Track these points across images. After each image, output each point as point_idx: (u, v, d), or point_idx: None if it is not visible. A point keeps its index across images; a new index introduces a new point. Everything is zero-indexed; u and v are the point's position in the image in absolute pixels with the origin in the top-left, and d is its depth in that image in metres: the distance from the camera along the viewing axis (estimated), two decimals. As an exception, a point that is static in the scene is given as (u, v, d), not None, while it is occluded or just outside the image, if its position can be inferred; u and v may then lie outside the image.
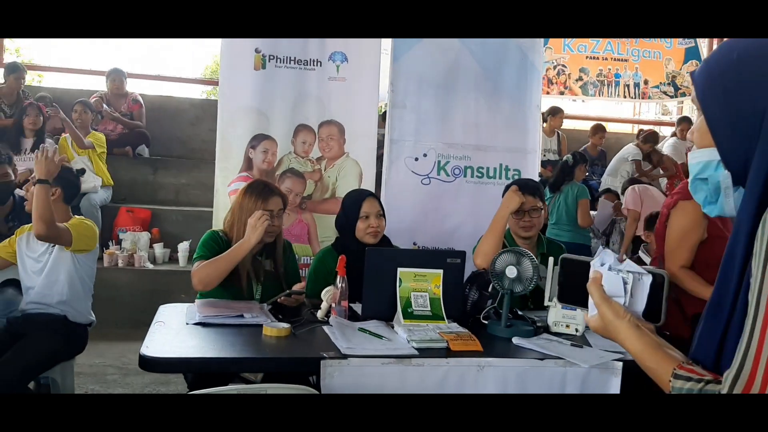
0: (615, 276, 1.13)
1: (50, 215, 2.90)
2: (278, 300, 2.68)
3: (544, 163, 6.99)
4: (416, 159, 3.98)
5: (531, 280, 2.56)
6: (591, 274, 1.16)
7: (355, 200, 3.03)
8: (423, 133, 3.98)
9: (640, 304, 1.12)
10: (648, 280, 1.12)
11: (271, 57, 3.88)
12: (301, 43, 3.92)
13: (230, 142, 3.89)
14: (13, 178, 3.86)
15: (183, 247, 5.47)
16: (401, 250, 2.99)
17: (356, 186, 3.95)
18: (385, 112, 4.02)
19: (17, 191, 4.28)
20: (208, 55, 20.80)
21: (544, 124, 7.32)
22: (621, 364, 2.32)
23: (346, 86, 3.98)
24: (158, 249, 5.49)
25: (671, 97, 7.91)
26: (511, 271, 2.57)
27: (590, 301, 1.15)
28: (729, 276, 0.97)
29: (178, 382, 3.70)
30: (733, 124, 0.98)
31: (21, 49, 18.05)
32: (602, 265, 1.16)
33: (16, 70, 6.26)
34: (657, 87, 7.78)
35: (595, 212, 5.93)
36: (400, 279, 2.56)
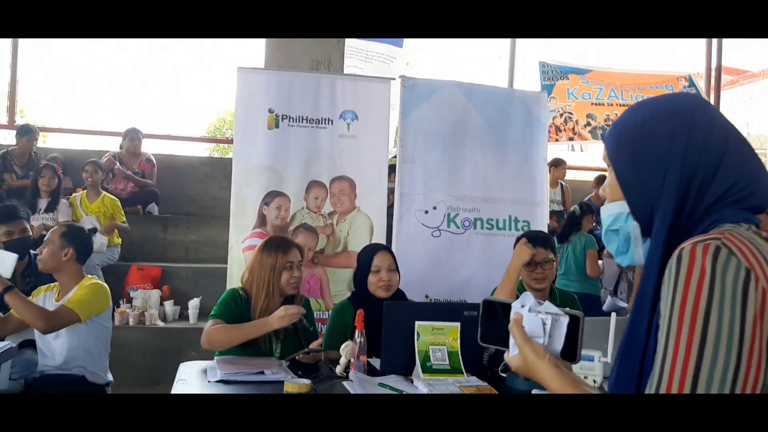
0: (535, 317, 1.17)
1: (38, 313, 2.95)
2: (296, 357, 2.69)
3: (549, 214, 7.05)
4: (426, 212, 4.04)
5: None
6: (512, 316, 1.20)
7: (367, 254, 3.08)
8: (432, 187, 4.05)
9: (558, 343, 1.16)
10: (565, 320, 1.16)
11: (284, 116, 3.99)
12: (312, 103, 4.03)
13: (244, 199, 3.96)
14: (30, 234, 3.91)
15: (193, 303, 5.48)
16: (418, 303, 3.02)
17: (368, 239, 4.00)
18: (394, 165, 4.10)
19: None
20: (211, 113, 21.21)
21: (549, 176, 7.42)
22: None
23: (356, 143, 4.07)
24: (168, 306, 5.50)
25: None
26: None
27: (512, 341, 1.19)
28: (640, 319, 1.03)
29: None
30: (639, 180, 1.08)
31: (24, 109, 18.45)
32: (522, 306, 1.20)
33: (29, 132, 6.38)
34: None
35: (601, 261, 5.96)
36: (418, 333, 2.58)
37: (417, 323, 2.58)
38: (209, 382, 2.43)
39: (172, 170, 7.07)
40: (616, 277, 5.96)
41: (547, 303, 1.20)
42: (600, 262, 5.77)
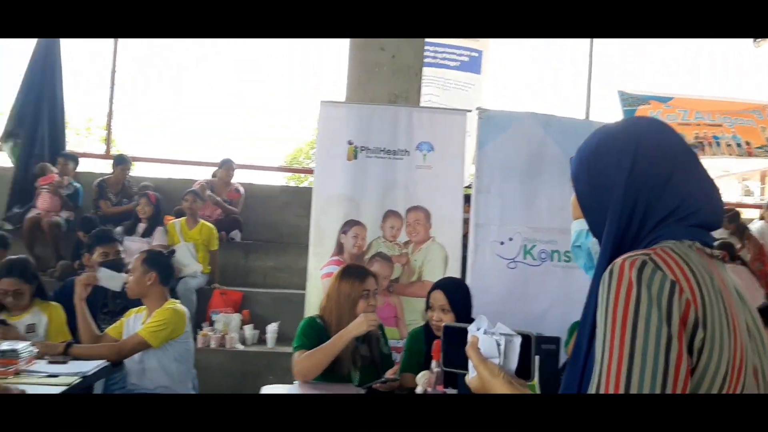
0: (489, 339, 1.21)
1: (106, 350, 3.17)
2: (373, 386, 2.74)
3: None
4: (502, 243, 4.04)
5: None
6: (469, 338, 1.24)
7: (430, 290, 3.11)
8: (508, 218, 4.06)
9: (513, 362, 1.21)
10: (518, 340, 1.21)
11: (363, 148, 4.10)
12: (390, 135, 4.13)
13: (323, 227, 4.08)
14: (124, 256, 4.16)
15: (272, 328, 5.64)
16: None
17: (442, 269, 4.04)
18: (469, 195, 4.14)
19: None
20: (290, 144, 21.81)
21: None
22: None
23: (432, 173, 4.14)
24: (248, 330, 5.67)
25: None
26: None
27: (470, 363, 1.23)
28: (583, 331, 1.10)
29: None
30: (593, 199, 1.16)
31: (116, 139, 19.51)
32: (478, 329, 1.24)
33: (123, 162, 6.78)
34: (761, 148, 7.63)
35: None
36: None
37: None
38: (289, 405, 2.50)
39: (252, 198, 7.33)
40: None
41: (499, 324, 1.24)
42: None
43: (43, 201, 6.39)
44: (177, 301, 3.47)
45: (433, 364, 2.62)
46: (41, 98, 6.98)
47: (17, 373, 2.72)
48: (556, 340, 2.69)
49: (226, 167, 7.00)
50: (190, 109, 27.64)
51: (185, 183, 7.05)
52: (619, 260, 1.02)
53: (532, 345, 1.22)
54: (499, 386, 1.17)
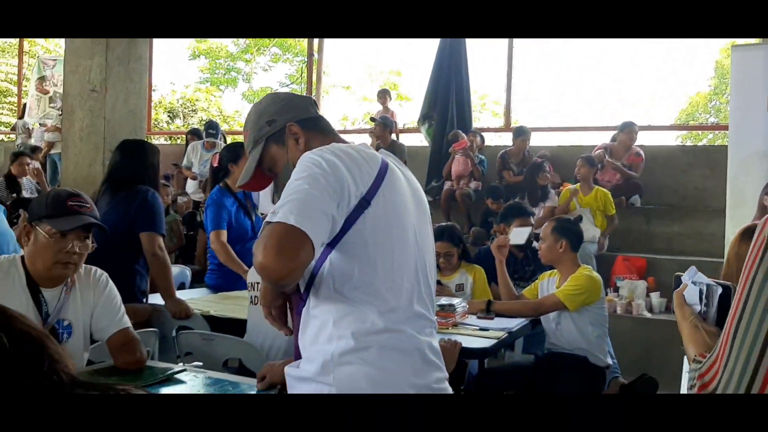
0: (694, 287, 1.36)
1: (524, 309, 3.47)
2: None
3: None
4: None
5: None
6: (680, 286, 1.41)
7: None
8: None
9: (712, 310, 1.32)
10: (718, 290, 1.30)
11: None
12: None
13: (742, 189, 3.73)
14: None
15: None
16: None
17: None
18: None
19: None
20: (682, 99, 20.04)
21: None
22: None
23: None
24: (655, 298, 5.50)
25: None
26: None
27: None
28: None
29: None
30: None
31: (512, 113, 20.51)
32: (689, 278, 1.39)
33: (522, 134, 7.15)
34: None
35: None
36: None
37: None
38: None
39: (651, 161, 7.02)
40: None
41: (700, 274, 1.38)
42: None
43: (457, 164, 7.14)
44: (589, 267, 3.55)
45: None
46: (449, 82, 7.76)
47: (454, 325, 3.13)
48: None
49: (628, 130, 6.82)
50: (580, 75, 27.43)
51: (580, 149, 7.10)
52: None
53: (731, 295, 1.26)
54: (686, 328, 1.32)
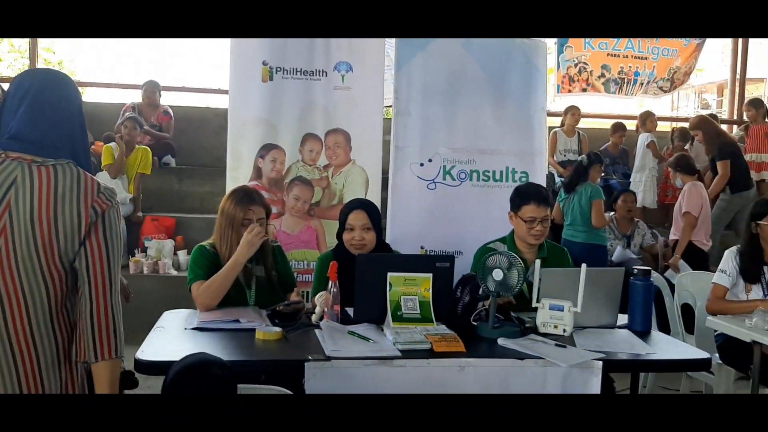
0: None
1: None
2: (277, 309, 2.77)
3: (564, 164, 6.99)
4: (422, 164, 4.06)
5: (516, 286, 2.62)
6: None
7: (345, 212, 3.11)
8: (428, 139, 4.06)
9: None
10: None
11: (278, 69, 4.01)
12: (306, 54, 4.04)
13: (240, 151, 4.03)
14: None
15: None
16: (391, 255, 3.06)
17: (363, 192, 4.05)
18: (390, 118, 4.11)
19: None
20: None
21: (564, 125, 7.32)
22: (601, 363, 2.37)
23: (351, 95, 4.08)
24: (182, 256, 5.67)
25: (665, 91, 7.88)
26: (498, 274, 2.63)
27: None
28: None
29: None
30: None
31: (63, 61, 18.70)
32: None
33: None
34: (656, 83, 7.77)
35: (613, 213, 5.91)
36: (390, 283, 2.64)
37: (389, 274, 2.64)
38: (185, 329, 2.54)
39: (187, 123, 7.17)
40: (631, 230, 5.92)
41: None
42: (608, 214, 5.74)
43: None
44: None
45: (330, 284, 2.67)
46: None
47: None
48: (450, 258, 2.75)
49: (151, 88, 6.78)
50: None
51: (117, 107, 6.86)
52: None
53: None
54: None
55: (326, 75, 4.06)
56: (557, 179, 6.72)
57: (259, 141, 4.03)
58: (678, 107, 23.62)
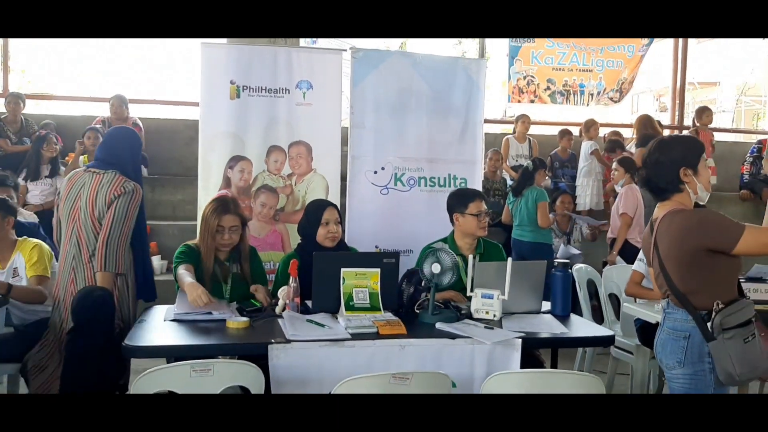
0: None
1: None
2: (246, 310, 3.13)
3: (516, 168, 7.46)
4: (375, 172, 4.49)
5: (451, 269, 3.06)
6: None
7: (317, 209, 3.52)
8: (380, 149, 4.49)
9: None
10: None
11: (245, 87, 4.41)
12: (270, 74, 4.44)
13: (210, 163, 4.42)
14: (16, 201, 4.37)
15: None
16: (344, 253, 3.48)
17: (324, 198, 4.46)
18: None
19: (25, 215, 4.81)
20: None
21: (515, 132, 7.82)
22: (520, 341, 2.81)
23: (312, 110, 4.50)
24: (156, 261, 6.01)
25: (615, 102, 8.45)
26: (436, 268, 3.07)
27: None
28: None
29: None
30: None
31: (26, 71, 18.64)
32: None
33: (13, 97, 6.80)
34: (612, 92, 8.33)
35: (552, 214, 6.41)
36: (343, 278, 3.06)
37: (343, 269, 3.06)
38: (165, 321, 2.93)
39: (159, 134, 7.50)
40: (570, 227, 6.42)
41: None
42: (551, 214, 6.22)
43: None
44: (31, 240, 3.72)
45: (291, 279, 3.07)
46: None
47: None
48: (396, 255, 3.18)
49: (117, 102, 7.07)
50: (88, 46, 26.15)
51: (88, 120, 7.16)
52: None
53: None
54: None
55: (289, 92, 4.47)
56: (509, 183, 7.20)
57: (227, 153, 4.42)
58: (638, 110, 24.44)
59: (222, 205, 3.32)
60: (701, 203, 2.56)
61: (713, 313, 2.33)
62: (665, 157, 2.53)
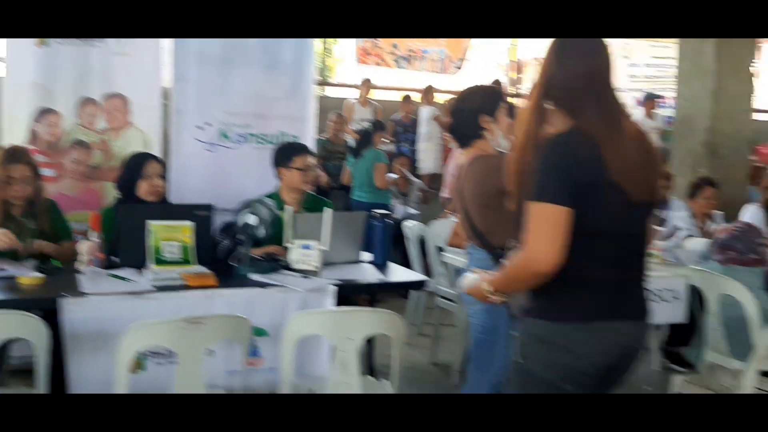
0: None
1: None
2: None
3: (360, 132, 7.53)
4: (201, 128, 4.30)
5: (269, 221, 3.01)
6: None
7: (138, 161, 3.32)
8: (206, 104, 4.29)
9: None
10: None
11: (53, 34, 4.05)
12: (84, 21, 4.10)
13: (16, 116, 4.03)
14: None
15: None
16: (151, 204, 3.32)
17: (145, 153, 4.23)
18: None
19: None
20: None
21: (360, 97, 7.87)
22: (334, 288, 2.83)
23: (129, 61, 4.22)
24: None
25: (458, 68, 8.79)
26: (251, 219, 3.00)
27: None
28: None
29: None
30: None
31: None
32: None
33: None
34: (459, 61, 8.62)
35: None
36: (150, 231, 2.91)
37: (149, 222, 2.91)
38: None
39: None
40: (408, 189, 6.59)
41: None
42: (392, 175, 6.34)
43: None
44: None
45: (93, 234, 2.89)
46: None
47: None
48: (208, 207, 3.08)
49: None
50: None
51: None
52: None
53: None
54: None
55: (104, 41, 4.16)
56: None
57: (35, 106, 4.06)
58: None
59: (10, 154, 3.06)
60: (502, 150, 2.67)
61: (506, 251, 2.45)
62: (465, 105, 2.63)
